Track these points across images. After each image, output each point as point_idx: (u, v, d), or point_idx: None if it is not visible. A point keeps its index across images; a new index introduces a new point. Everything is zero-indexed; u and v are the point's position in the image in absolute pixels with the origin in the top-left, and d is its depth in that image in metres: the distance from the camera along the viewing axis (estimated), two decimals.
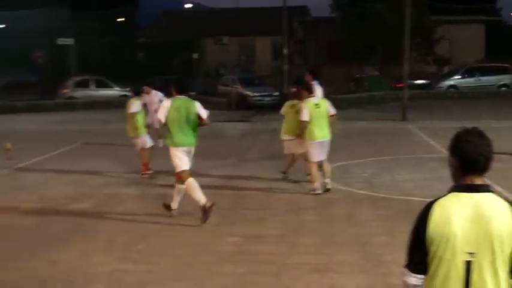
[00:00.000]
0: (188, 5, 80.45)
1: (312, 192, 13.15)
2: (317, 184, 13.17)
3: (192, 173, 11.13)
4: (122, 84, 42.11)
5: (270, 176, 14.91)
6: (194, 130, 11.12)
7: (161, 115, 11.03)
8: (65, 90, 41.62)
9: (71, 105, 38.91)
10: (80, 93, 41.29)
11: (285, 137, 14.33)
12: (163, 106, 11.16)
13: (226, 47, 58.09)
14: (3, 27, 65.04)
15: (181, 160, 10.99)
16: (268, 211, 11.92)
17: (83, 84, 42.27)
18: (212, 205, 10.77)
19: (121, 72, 50.29)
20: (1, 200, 13.26)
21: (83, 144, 21.65)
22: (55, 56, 56.59)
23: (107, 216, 11.72)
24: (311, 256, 9.12)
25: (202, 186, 13.12)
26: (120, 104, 34.85)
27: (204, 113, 11.14)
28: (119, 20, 69.52)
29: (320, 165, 13.33)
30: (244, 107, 35.43)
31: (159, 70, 52.25)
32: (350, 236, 10.15)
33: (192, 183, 10.94)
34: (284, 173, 14.63)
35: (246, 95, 38.08)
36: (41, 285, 8.18)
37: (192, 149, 11.20)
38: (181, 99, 11.18)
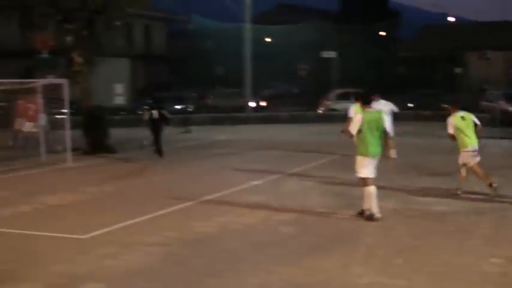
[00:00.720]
0: (451, 18, 78.87)
1: None
2: None
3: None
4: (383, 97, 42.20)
5: None
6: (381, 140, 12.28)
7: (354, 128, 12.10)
8: (327, 102, 42.59)
9: (332, 117, 39.69)
10: (341, 105, 41.95)
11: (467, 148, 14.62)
12: (358, 119, 12.12)
13: (491, 61, 56.14)
14: (270, 42, 67.82)
15: (367, 168, 12.05)
16: None
17: (345, 97, 42.91)
18: (371, 218, 12.04)
19: (381, 85, 50.44)
20: (265, 204, 13.84)
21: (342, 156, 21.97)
22: (317, 69, 58.11)
23: (366, 227, 11.80)
24: None
25: (467, 202, 12.90)
26: None
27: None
28: (380, 33, 69.84)
29: None
30: (508, 124, 33.94)
31: (420, 84, 51.69)
32: None
33: (371, 191, 12.10)
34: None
35: (510, 112, 36.47)
36: None
37: (377, 159, 12.27)
38: (371, 112, 12.26)
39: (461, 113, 14.72)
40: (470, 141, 14.50)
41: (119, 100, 35.66)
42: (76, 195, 15.58)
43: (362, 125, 12.04)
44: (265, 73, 57.23)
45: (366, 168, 12.09)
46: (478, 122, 14.76)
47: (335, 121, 37.99)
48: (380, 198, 14.34)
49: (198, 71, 67.01)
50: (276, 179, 17.58)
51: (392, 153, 17.54)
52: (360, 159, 12.18)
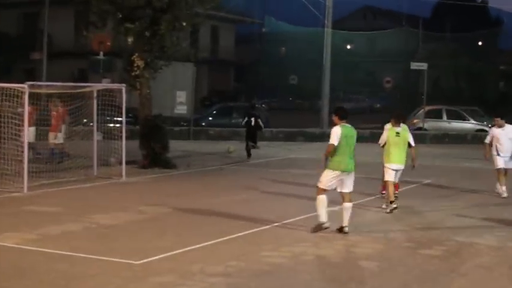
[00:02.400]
0: None
1: None
2: None
3: None
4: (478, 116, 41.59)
5: None
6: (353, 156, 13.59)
7: (335, 140, 13.29)
8: (414, 121, 41.95)
9: (420, 137, 39.09)
10: (431, 124, 41.29)
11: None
12: (336, 132, 13.33)
13: None
14: (351, 49, 67.41)
15: (331, 182, 13.49)
16: None
17: (435, 115, 42.17)
18: (320, 228, 13.41)
19: (478, 101, 49.47)
20: (343, 234, 13.63)
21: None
22: (404, 81, 57.46)
23: (459, 266, 11.52)
24: None
25: None
26: (475, 139, 34.37)
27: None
28: (478, 43, 68.72)
29: None
30: None
31: None
32: None
33: (322, 199, 13.44)
34: None
35: None
36: None
37: (352, 174, 13.61)
38: (347, 127, 13.54)
39: (398, 129, 16.38)
40: (396, 159, 16.23)
41: (181, 109, 35.71)
42: (130, 214, 15.65)
43: (340, 138, 13.33)
44: (343, 84, 56.82)
45: (330, 181, 13.50)
46: (413, 144, 16.60)
47: (425, 141, 37.50)
48: (477, 234, 14.04)
49: (267, 79, 66.89)
50: (355, 205, 17.28)
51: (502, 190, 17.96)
52: (328, 172, 13.54)
